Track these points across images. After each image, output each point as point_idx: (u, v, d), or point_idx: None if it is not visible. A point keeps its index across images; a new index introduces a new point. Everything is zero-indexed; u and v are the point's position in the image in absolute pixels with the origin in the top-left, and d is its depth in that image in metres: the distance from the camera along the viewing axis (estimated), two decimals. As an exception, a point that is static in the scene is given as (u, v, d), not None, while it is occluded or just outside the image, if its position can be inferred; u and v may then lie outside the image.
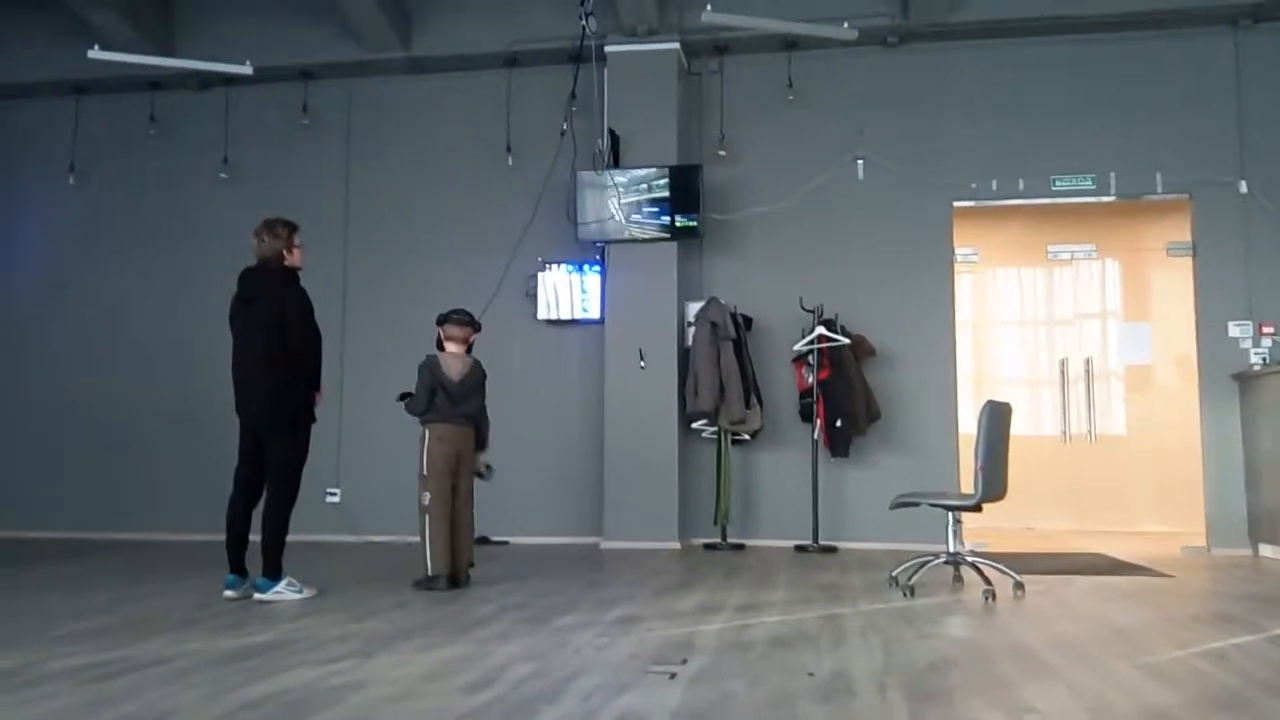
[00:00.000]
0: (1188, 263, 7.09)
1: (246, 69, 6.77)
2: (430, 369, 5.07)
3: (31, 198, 8.34)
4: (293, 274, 4.85)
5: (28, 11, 7.75)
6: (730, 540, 6.98)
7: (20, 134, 8.38)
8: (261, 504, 4.78)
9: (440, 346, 5.19)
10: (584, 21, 7.13)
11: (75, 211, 8.24)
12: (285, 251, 4.84)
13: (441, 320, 5.20)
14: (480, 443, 5.21)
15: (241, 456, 4.83)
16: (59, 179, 8.18)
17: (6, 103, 8.37)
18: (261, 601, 4.58)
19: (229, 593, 4.66)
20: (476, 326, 5.26)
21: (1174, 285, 7.64)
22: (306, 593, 4.70)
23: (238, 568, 4.73)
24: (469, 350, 5.24)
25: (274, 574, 4.66)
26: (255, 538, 4.69)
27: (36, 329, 8.19)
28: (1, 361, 8.21)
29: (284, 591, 4.64)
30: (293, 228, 4.89)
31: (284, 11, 7.56)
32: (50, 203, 8.29)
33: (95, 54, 6.76)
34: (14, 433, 8.12)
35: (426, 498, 4.94)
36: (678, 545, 6.93)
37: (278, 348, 4.68)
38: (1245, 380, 6.72)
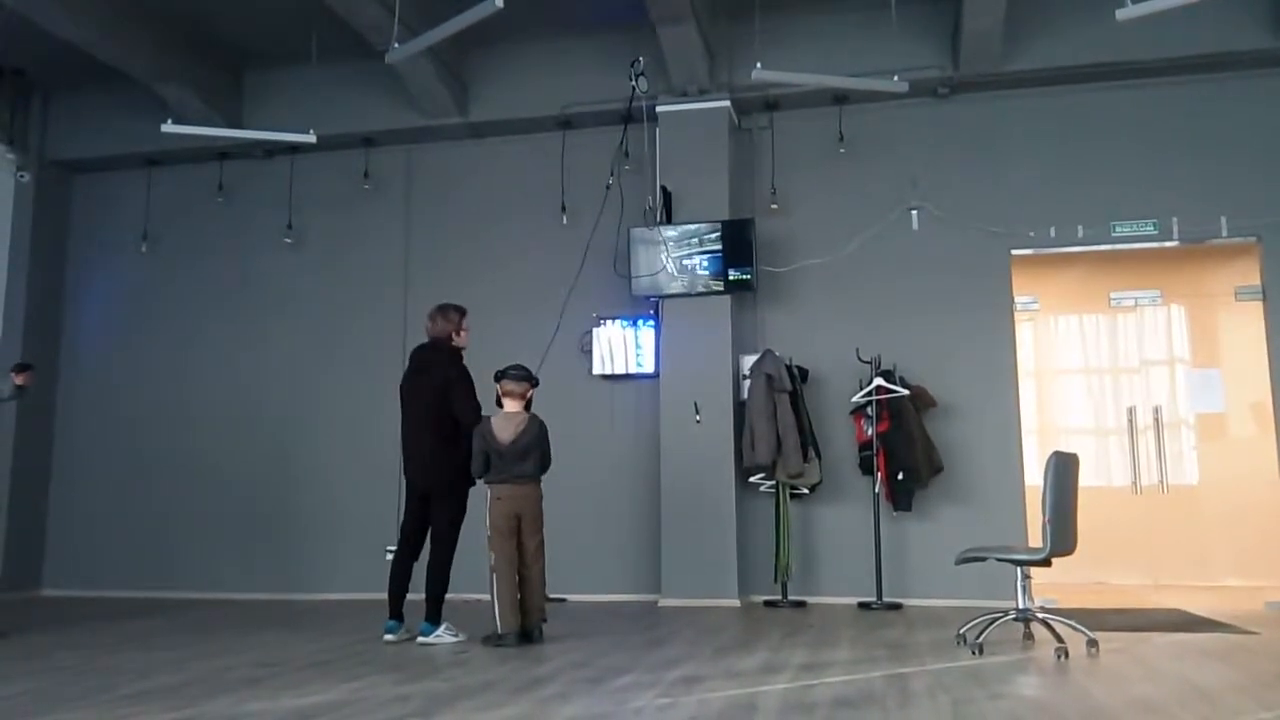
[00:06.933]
0: (1258, 307, 6.90)
1: (310, 137, 7.01)
2: (482, 434, 5.11)
3: (105, 265, 8.66)
4: (458, 352, 5.40)
5: (105, 89, 8.11)
6: (791, 597, 6.85)
7: (96, 204, 8.74)
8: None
9: (499, 403, 5.23)
10: (635, 83, 7.27)
11: (145, 277, 8.53)
12: (454, 333, 5.40)
13: (498, 377, 5.25)
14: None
15: (407, 514, 5.32)
16: (131, 246, 8.49)
17: (85, 175, 8.76)
18: (423, 644, 5.00)
19: (389, 636, 5.09)
20: (534, 382, 5.29)
21: (1244, 330, 7.43)
22: (461, 636, 5.08)
23: (397, 614, 5.16)
24: (529, 405, 5.26)
25: (435, 619, 5.10)
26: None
27: (106, 391, 8.43)
28: (73, 423, 8.46)
29: (442, 635, 5.07)
30: (463, 313, 5.47)
31: (346, 83, 7.81)
32: (122, 269, 8.60)
33: (169, 128, 7.07)
34: (81, 491, 8.32)
35: (493, 557, 5.01)
36: (737, 602, 6.83)
37: (442, 417, 5.16)
38: (1325, 427, 6.48)
